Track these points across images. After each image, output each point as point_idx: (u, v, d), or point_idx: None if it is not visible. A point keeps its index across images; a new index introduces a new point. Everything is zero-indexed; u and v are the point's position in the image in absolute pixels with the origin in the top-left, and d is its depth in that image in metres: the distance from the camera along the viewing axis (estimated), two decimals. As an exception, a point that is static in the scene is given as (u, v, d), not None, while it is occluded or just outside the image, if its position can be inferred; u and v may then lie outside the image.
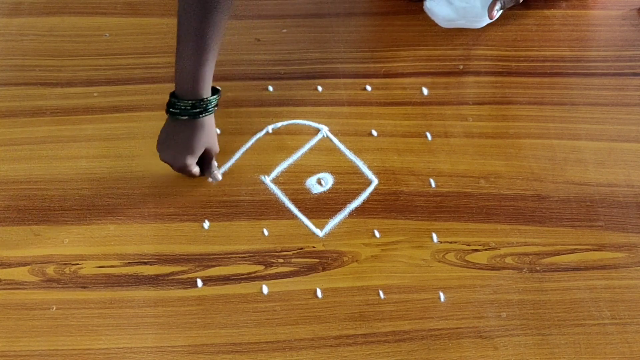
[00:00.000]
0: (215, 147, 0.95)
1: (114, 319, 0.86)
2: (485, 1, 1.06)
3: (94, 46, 1.12)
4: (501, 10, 1.07)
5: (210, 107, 0.91)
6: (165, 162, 0.93)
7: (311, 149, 1.00)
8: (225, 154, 0.99)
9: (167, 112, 0.91)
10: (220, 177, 0.96)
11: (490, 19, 1.07)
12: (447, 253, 0.91)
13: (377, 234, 0.93)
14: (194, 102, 0.89)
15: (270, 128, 1.02)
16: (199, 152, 0.92)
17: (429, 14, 1.11)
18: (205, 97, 0.90)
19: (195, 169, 0.94)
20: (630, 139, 1.01)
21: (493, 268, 0.90)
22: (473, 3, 1.07)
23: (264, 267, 0.90)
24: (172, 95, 0.91)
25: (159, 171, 0.97)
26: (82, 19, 1.16)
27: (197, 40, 0.86)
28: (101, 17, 1.16)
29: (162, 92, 1.05)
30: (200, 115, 0.90)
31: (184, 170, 0.94)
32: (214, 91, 0.92)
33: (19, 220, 0.93)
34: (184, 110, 0.90)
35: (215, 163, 0.96)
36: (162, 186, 0.96)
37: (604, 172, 0.97)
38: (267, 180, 0.97)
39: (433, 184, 0.97)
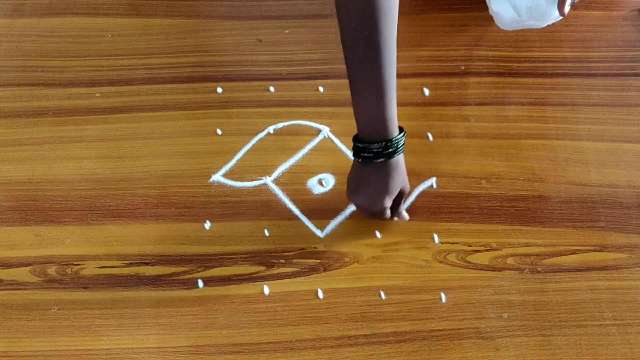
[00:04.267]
0: (407, 186, 0.90)
1: (116, 320, 0.86)
2: None
3: (97, 47, 1.12)
4: (569, 6, 1.01)
5: (400, 144, 0.85)
6: (361, 207, 0.90)
7: (312, 150, 1.01)
8: (227, 155, 0.99)
9: (357, 157, 0.86)
10: (407, 216, 0.93)
11: (562, 15, 1.01)
12: (448, 254, 0.91)
13: (378, 234, 0.92)
14: (386, 142, 0.84)
15: (271, 129, 1.02)
16: (395, 192, 0.88)
17: (494, 17, 1.07)
18: (394, 135, 0.85)
19: (389, 212, 0.90)
20: (632, 140, 1.01)
21: (494, 269, 0.90)
22: (537, 2, 1.01)
23: (265, 267, 0.90)
24: (356, 139, 0.86)
25: (160, 172, 0.98)
26: (84, 20, 1.16)
27: (375, 84, 0.82)
28: (104, 17, 1.16)
29: (165, 93, 1.06)
30: (395, 155, 0.85)
31: (381, 215, 0.89)
32: (400, 129, 0.86)
33: (21, 221, 0.94)
34: (378, 153, 0.84)
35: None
36: (163, 187, 0.97)
37: (605, 173, 0.97)
38: (269, 180, 0.97)
39: (434, 185, 0.97)
